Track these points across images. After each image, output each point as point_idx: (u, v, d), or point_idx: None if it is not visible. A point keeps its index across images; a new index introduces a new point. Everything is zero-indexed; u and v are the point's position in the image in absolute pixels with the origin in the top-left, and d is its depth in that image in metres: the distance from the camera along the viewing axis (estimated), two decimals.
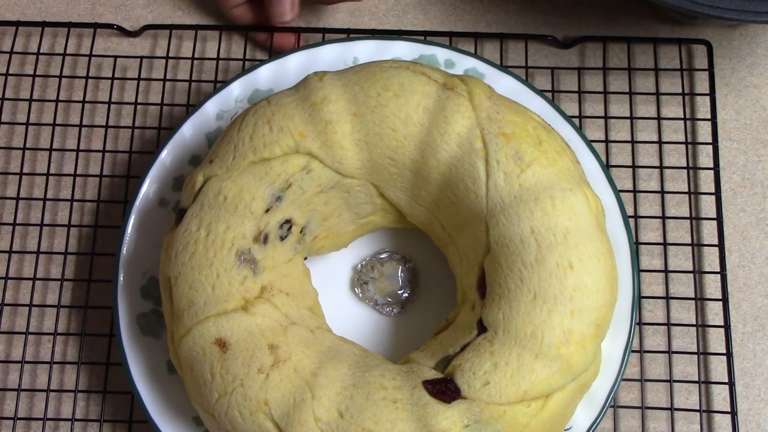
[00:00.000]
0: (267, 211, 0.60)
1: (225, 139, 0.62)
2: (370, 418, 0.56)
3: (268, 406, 0.56)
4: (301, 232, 0.62)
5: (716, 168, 0.70)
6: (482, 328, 0.58)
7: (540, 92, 0.69)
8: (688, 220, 0.70)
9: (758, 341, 0.68)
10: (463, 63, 0.70)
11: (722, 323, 0.67)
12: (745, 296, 0.69)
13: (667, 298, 0.68)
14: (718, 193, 0.70)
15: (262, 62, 0.70)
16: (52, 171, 0.72)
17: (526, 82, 0.69)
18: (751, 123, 0.73)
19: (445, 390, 0.56)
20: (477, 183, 0.59)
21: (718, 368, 0.67)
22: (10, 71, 0.75)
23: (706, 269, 0.69)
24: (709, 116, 0.72)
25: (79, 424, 0.67)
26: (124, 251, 0.66)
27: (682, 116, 0.72)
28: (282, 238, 0.61)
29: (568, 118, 0.68)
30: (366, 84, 0.61)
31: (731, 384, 0.65)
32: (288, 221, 0.61)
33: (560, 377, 0.56)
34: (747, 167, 0.72)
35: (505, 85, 0.69)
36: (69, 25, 0.74)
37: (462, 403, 0.56)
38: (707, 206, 0.71)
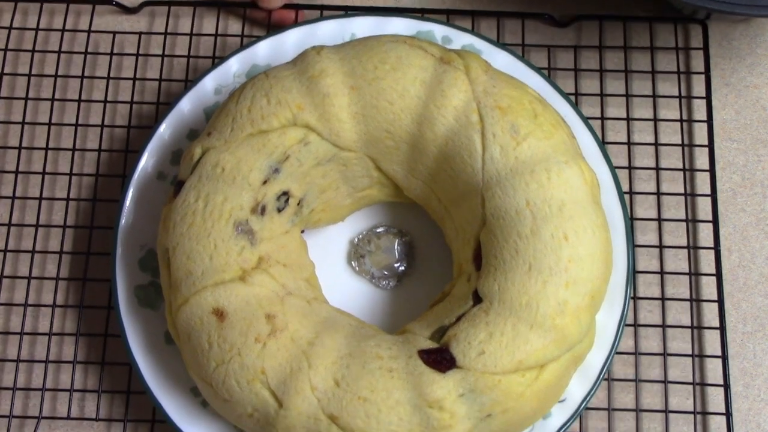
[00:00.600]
0: (264, 182, 0.60)
1: (223, 112, 0.62)
2: (365, 387, 0.56)
3: (264, 374, 0.57)
4: (298, 204, 0.62)
5: (711, 145, 0.70)
6: (478, 299, 0.58)
7: (537, 69, 0.69)
8: (683, 197, 0.70)
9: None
10: (460, 39, 0.70)
11: (716, 298, 0.68)
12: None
13: (662, 273, 0.68)
14: (712, 170, 0.70)
15: (260, 38, 0.70)
16: (50, 145, 0.72)
17: (523, 58, 0.69)
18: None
19: (440, 359, 0.57)
20: (473, 156, 0.60)
21: (711, 342, 0.68)
22: (9, 47, 0.75)
23: (701, 245, 0.70)
24: (704, 95, 0.73)
25: (77, 394, 0.67)
26: (123, 224, 0.66)
27: (678, 94, 0.73)
28: (279, 210, 0.61)
29: (565, 95, 0.68)
30: (363, 58, 0.61)
31: (724, 358, 0.66)
32: (285, 193, 0.61)
33: (555, 348, 0.57)
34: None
35: (502, 61, 0.69)
36: (68, 1, 0.74)
37: (457, 373, 0.56)
38: (702, 184, 0.71)
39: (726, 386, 0.66)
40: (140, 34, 0.75)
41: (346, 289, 0.68)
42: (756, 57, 0.74)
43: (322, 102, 0.60)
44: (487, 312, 0.57)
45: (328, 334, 0.59)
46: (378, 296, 0.68)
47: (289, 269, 0.62)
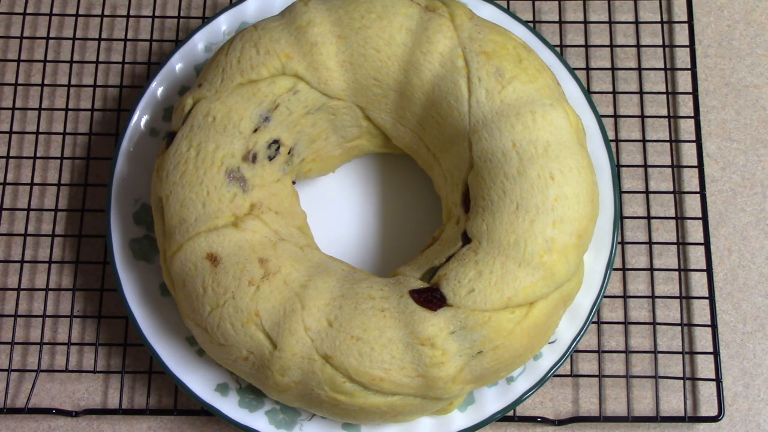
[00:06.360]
0: (255, 131, 0.61)
1: (213, 63, 0.63)
2: (358, 327, 0.57)
3: (259, 317, 0.58)
4: (289, 153, 0.63)
5: (695, 93, 0.71)
6: (467, 240, 0.59)
7: (522, 21, 0.70)
8: (668, 143, 0.71)
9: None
10: None
11: (702, 241, 0.69)
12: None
13: (648, 218, 0.69)
14: (697, 117, 0.71)
15: None
16: (44, 106, 0.73)
17: (508, 10, 0.70)
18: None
19: (431, 298, 0.58)
20: (459, 100, 0.60)
21: (698, 284, 0.69)
22: (1, 10, 0.76)
23: (686, 190, 0.71)
24: (687, 40, 0.74)
25: (75, 348, 0.68)
26: (116, 178, 0.67)
27: (662, 44, 0.73)
28: (270, 158, 0.62)
29: (551, 46, 0.69)
30: (350, 7, 0.62)
31: (711, 299, 0.67)
32: (276, 141, 0.62)
33: (543, 285, 0.58)
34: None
35: (487, 14, 0.70)
36: None
37: (448, 311, 0.57)
38: (687, 131, 0.72)
39: (713, 326, 0.67)
40: None
41: (338, 240, 0.68)
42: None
43: (310, 51, 0.61)
44: (476, 251, 0.58)
45: (320, 277, 0.60)
46: (370, 248, 0.69)
47: (281, 216, 0.63)
